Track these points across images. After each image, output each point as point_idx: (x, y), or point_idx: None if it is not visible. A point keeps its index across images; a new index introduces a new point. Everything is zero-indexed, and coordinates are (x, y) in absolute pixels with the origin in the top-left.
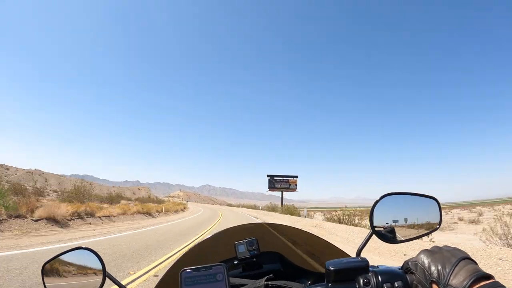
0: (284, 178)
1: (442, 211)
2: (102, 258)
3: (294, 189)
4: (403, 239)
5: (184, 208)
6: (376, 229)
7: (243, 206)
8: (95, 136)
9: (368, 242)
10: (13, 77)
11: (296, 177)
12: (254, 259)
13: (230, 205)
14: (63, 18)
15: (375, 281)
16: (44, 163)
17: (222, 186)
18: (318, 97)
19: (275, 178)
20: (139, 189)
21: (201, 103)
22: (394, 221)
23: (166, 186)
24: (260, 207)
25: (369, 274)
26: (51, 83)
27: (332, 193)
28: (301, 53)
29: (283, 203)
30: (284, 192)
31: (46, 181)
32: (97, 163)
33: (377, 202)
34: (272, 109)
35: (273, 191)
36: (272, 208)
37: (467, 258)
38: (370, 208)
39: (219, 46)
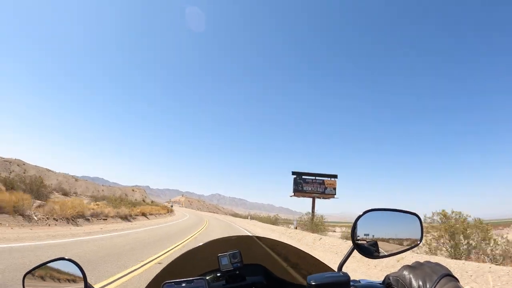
0: (317, 178)
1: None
2: (84, 269)
3: (331, 195)
4: (384, 254)
5: (145, 213)
6: (358, 243)
7: (254, 217)
8: (111, 142)
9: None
10: (40, 79)
11: (335, 177)
12: (237, 272)
13: (235, 215)
14: (76, 17)
15: None
16: (58, 163)
17: (231, 196)
18: (328, 107)
19: (303, 177)
20: (133, 190)
21: (215, 114)
22: (376, 237)
23: (176, 192)
24: (295, 224)
25: None
26: (74, 87)
27: (340, 208)
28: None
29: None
30: (315, 199)
31: (24, 173)
32: (110, 167)
33: (359, 217)
34: (282, 124)
35: (301, 196)
36: (315, 225)
37: (448, 275)
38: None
39: (220, 49)
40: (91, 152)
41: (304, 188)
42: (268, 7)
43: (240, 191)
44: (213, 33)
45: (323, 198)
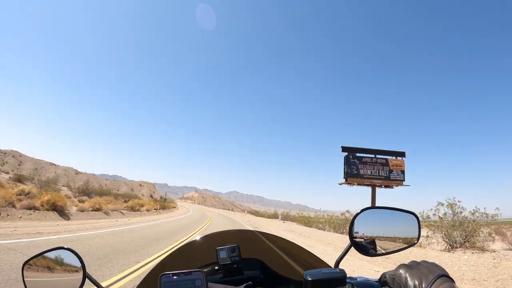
0: (378, 157)
1: None
2: (83, 258)
3: (399, 181)
4: (381, 252)
5: (58, 204)
6: (356, 241)
7: (287, 218)
8: (130, 141)
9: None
10: (63, 82)
11: (402, 155)
12: (235, 265)
13: (256, 213)
14: (84, 13)
15: None
16: (79, 162)
17: (249, 193)
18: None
19: (358, 155)
20: (140, 185)
21: (234, 115)
22: (373, 235)
23: (193, 190)
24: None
25: (346, 286)
26: (102, 90)
27: (351, 205)
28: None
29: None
30: (377, 188)
31: (19, 165)
32: (130, 166)
33: (357, 214)
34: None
35: (356, 183)
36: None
37: (444, 275)
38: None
39: (229, 49)
40: (113, 153)
41: (361, 172)
42: (278, 5)
43: (257, 189)
44: (233, 30)
45: (386, 185)
